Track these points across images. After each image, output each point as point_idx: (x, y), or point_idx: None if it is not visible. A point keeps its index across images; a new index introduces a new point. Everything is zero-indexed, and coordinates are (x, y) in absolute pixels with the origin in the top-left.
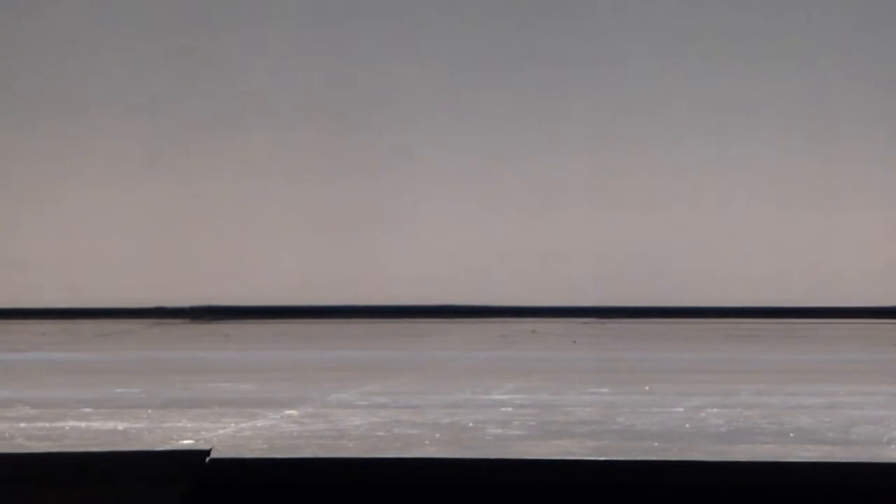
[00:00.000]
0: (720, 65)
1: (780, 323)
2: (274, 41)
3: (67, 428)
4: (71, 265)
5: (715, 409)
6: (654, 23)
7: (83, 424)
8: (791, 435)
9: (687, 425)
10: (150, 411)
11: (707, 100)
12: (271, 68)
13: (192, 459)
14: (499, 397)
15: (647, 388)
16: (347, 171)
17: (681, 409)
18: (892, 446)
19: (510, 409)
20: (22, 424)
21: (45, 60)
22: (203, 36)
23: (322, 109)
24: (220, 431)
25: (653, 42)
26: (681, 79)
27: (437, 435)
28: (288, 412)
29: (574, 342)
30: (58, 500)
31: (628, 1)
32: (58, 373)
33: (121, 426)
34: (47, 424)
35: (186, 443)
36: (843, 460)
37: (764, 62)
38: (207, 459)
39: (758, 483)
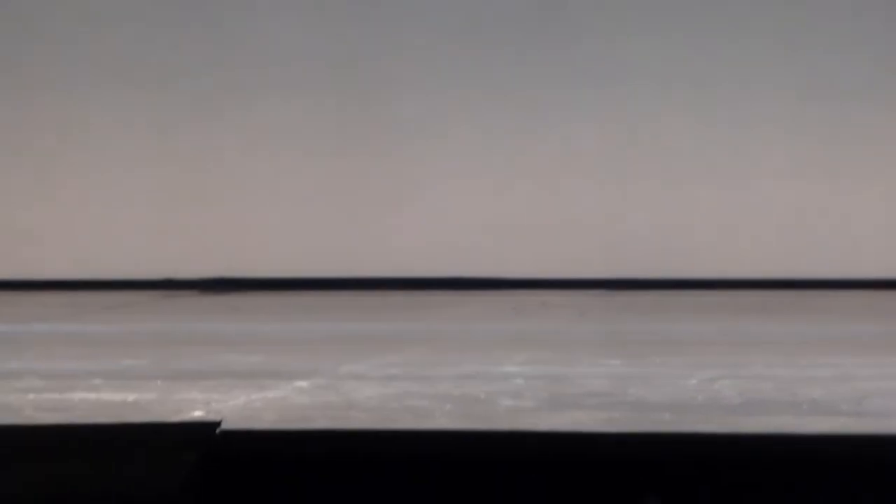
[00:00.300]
0: (735, 33)
1: (794, 294)
2: (286, 13)
3: (77, 399)
4: (79, 237)
5: (727, 381)
6: None
7: (93, 396)
8: (804, 407)
9: (699, 397)
10: (160, 383)
11: (719, 68)
12: (283, 40)
13: (203, 431)
14: (510, 369)
15: (658, 360)
16: (358, 144)
17: (693, 381)
18: None
19: (521, 380)
20: (31, 396)
21: (52, 31)
22: (213, 6)
23: (333, 81)
24: (231, 403)
25: (667, 10)
26: (694, 48)
27: (449, 406)
28: (299, 384)
29: (581, 314)
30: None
31: None
32: (67, 344)
33: (131, 398)
34: (57, 396)
35: (197, 414)
36: (855, 432)
37: (779, 30)
38: (218, 431)
39: (770, 455)
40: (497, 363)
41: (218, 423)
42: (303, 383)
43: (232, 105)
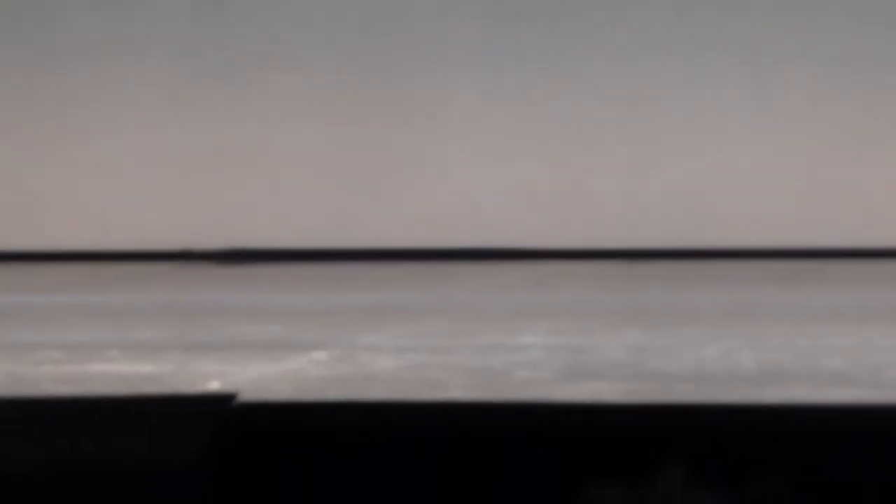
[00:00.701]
0: (754, 6)
1: (813, 264)
2: None
3: (94, 371)
4: (96, 208)
5: (746, 352)
6: None
7: (110, 367)
8: (823, 377)
9: (718, 367)
10: (176, 354)
11: (740, 40)
12: (298, 10)
13: (219, 403)
14: (528, 340)
15: (677, 330)
16: (376, 114)
17: (712, 352)
18: None
19: (539, 351)
20: (47, 367)
21: (75, 9)
22: None
23: (349, 52)
24: (247, 375)
25: None
26: (714, 20)
27: (465, 378)
28: (315, 355)
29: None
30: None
31: None
32: (84, 315)
33: (147, 369)
34: (74, 367)
35: (213, 386)
36: (874, 402)
37: (797, 4)
38: (234, 403)
39: (789, 425)
40: (515, 334)
41: (234, 395)
42: (319, 355)
43: (248, 77)
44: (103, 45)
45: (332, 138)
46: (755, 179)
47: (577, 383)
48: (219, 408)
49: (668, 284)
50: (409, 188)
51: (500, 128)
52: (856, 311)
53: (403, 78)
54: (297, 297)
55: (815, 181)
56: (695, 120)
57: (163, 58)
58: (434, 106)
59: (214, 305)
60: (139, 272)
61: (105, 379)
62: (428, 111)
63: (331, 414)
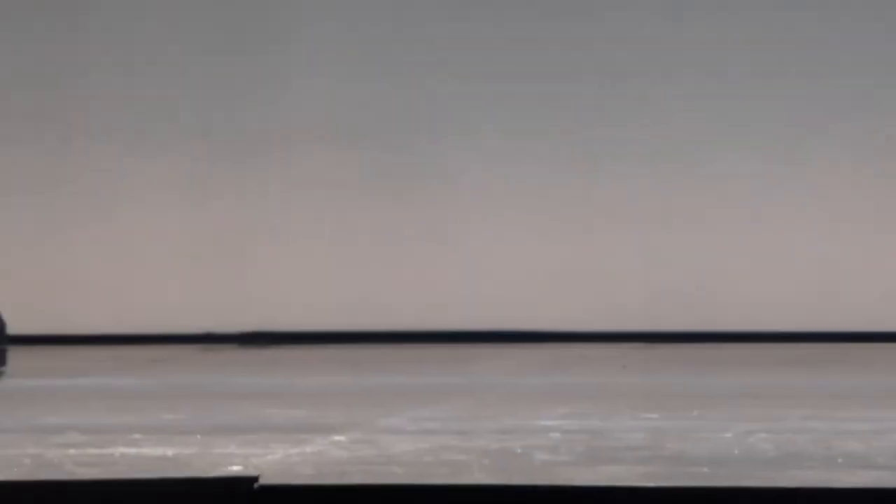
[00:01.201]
0: (771, 83)
1: (832, 347)
2: (320, 63)
3: (117, 454)
4: (120, 290)
5: (764, 435)
6: (705, 40)
7: (133, 450)
8: (839, 460)
9: (736, 451)
10: (199, 437)
11: (757, 119)
12: (318, 90)
13: (241, 486)
14: (548, 423)
15: (695, 413)
16: (395, 194)
17: (730, 435)
18: None
19: (559, 434)
20: (72, 451)
21: (94, 81)
22: (250, 58)
23: (369, 131)
24: (269, 457)
25: (703, 61)
26: (731, 98)
27: (486, 461)
28: (336, 438)
29: (624, 367)
30: None
31: (679, 21)
32: (107, 398)
33: (170, 452)
34: (97, 451)
35: (235, 469)
36: (892, 486)
37: (815, 80)
38: (256, 486)
39: None
40: (535, 416)
41: (256, 478)
42: (340, 437)
43: (268, 157)
44: (127, 126)
45: (352, 220)
46: (774, 262)
47: (596, 466)
48: (241, 490)
49: (686, 367)
50: (430, 270)
51: (521, 211)
52: (873, 394)
53: (424, 160)
54: (318, 379)
55: (833, 264)
56: (714, 202)
57: (185, 139)
58: (455, 188)
59: (236, 388)
60: (162, 355)
61: (128, 462)
62: (449, 194)
63: (352, 497)
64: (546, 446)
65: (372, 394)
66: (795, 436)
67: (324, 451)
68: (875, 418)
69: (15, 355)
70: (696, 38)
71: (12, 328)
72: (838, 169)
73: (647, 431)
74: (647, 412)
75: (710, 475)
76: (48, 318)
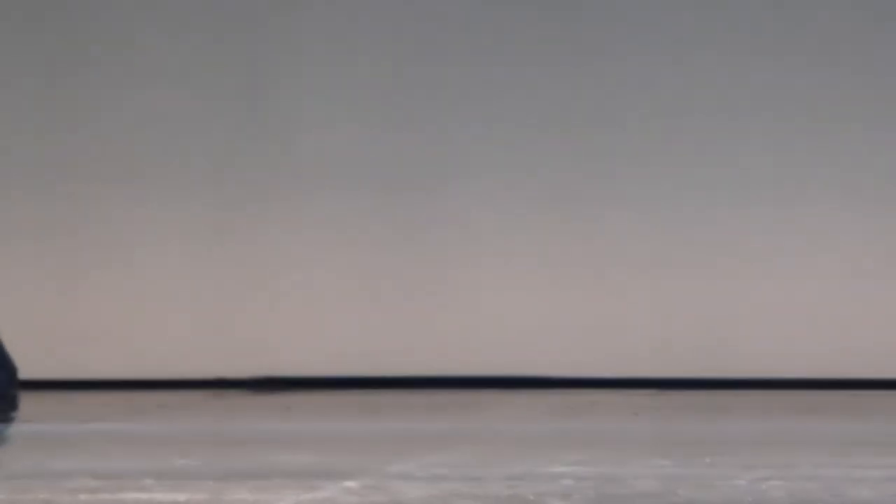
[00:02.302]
0: (779, 129)
1: (843, 395)
2: (333, 109)
3: (129, 500)
4: (130, 336)
5: (776, 482)
6: (715, 85)
7: (145, 496)
8: None
9: (749, 498)
10: (210, 483)
11: (766, 166)
12: (328, 136)
13: None
14: (559, 469)
15: (707, 460)
16: (405, 239)
17: (742, 482)
18: None
19: (571, 481)
20: (83, 496)
21: (103, 129)
22: (261, 108)
23: (379, 176)
24: (280, 503)
25: (711, 107)
26: (740, 145)
27: None
28: (348, 484)
29: (635, 414)
30: None
31: (689, 65)
32: (119, 444)
33: (182, 498)
34: (108, 496)
35: None
36: None
37: (823, 129)
38: None
39: None
40: (546, 463)
41: None
42: (351, 483)
43: (278, 203)
44: (136, 174)
45: (362, 266)
46: (784, 309)
47: None
48: None
49: (698, 414)
50: (439, 316)
51: (531, 258)
52: (886, 441)
53: (434, 208)
54: (329, 425)
55: (844, 311)
56: (722, 249)
57: (195, 186)
58: (465, 234)
59: (248, 434)
60: (172, 400)
61: None
62: (459, 240)
63: None
64: (558, 493)
65: (383, 440)
66: (808, 483)
67: (335, 498)
68: (887, 465)
69: (26, 400)
70: (704, 84)
71: (24, 373)
72: (849, 216)
73: (659, 478)
74: (659, 459)
75: None
76: (59, 363)
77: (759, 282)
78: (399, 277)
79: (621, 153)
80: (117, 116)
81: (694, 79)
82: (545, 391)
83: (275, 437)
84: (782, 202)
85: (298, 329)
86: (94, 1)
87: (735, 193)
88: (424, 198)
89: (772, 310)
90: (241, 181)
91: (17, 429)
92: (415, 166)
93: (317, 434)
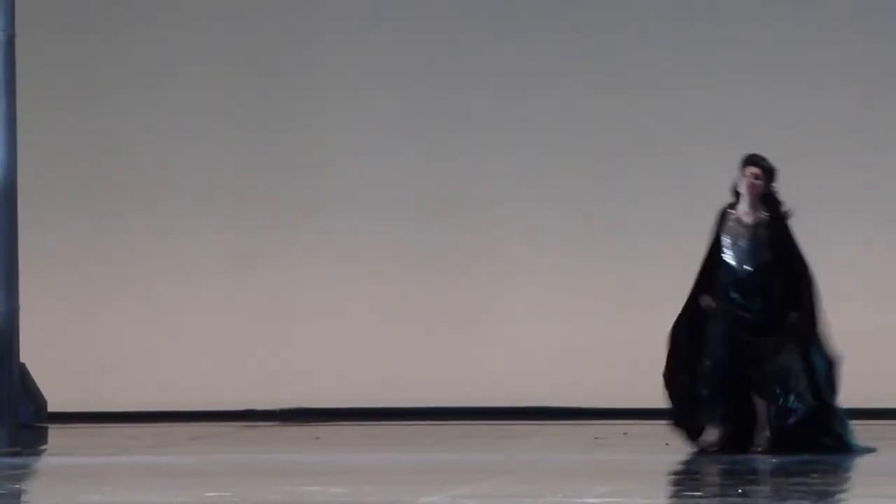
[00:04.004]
0: (808, 157)
1: (874, 425)
2: (359, 140)
3: None
4: (162, 368)
5: None
6: (738, 116)
7: None
8: None
9: None
10: None
11: (795, 192)
12: (357, 167)
13: None
14: (591, 500)
15: (739, 490)
16: (437, 270)
17: None
18: None
19: None
20: None
21: (135, 159)
22: (290, 136)
23: (410, 206)
24: None
25: (745, 136)
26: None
27: None
28: None
29: (667, 444)
30: None
31: (722, 97)
32: (150, 476)
33: None
34: None
35: None
36: None
37: (854, 156)
38: None
39: None
40: (578, 494)
41: None
42: None
43: (308, 232)
44: (165, 202)
45: (392, 296)
46: None
47: None
48: None
49: None
50: (471, 347)
51: (561, 289)
52: None
53: (464, 238)
54: (360, 456)
55: (876, 340)
56: None
57: (225, 216)
58: (495, 266)
59: (278, 464)
60: (203, 432)
61: None
62: (488, 271)
63: None
64: None
65: (413, 471)
66: None
67: None
68: None
69: (56, 433)
70: (732, 113)
71: (52, 406)
72: (880, 247)
73: None
74: (691, 490)
75: None
76: (88, 395)
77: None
78: (428, 308)
79: (651, 183)
80: (145, 147)
81: (723, 108)
82: (576, 422)
83: (305, 467)
84: (807, 230)
85: (328, 360)
86: (123, 32)
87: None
88: (454, 228)
89: None
90: (270, 212)
91: (46, 462)
92: (445, 196)
93: (347, 465)
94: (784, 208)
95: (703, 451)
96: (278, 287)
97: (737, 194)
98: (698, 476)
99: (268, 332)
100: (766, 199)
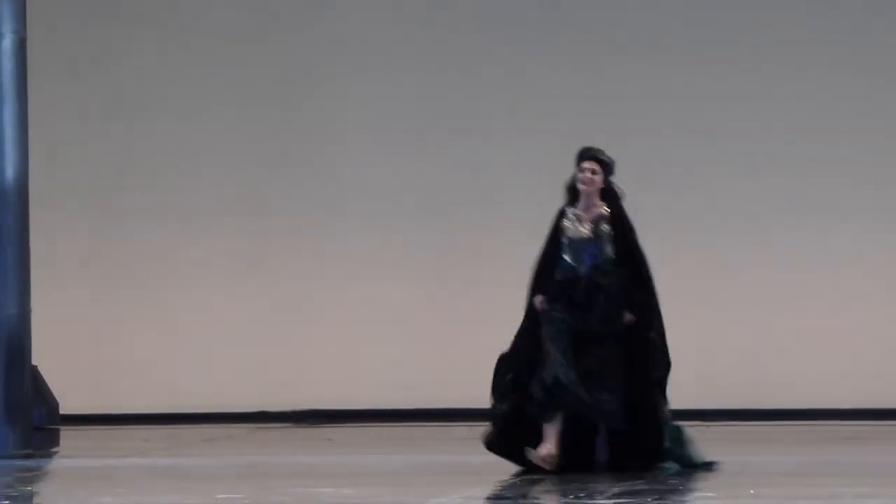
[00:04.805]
0: (823, 163)
1: (885, 424)
2: (372, 146)
3: None
4: (174, 370)
5: None
6: (756, 120)
7: None
8: None
9: None
10: None
11: (809, 197)
12: (370, 172)
13: None
14: (604, 502)
15: (752, 491)
16: (449, 272)
17: None
18: None
19: None
20: None
21: (149, 163)
22: (303, 143)
23: (421, 211)
24: None
25: (754, 140)
26: (781, 177)
27: None
28: None
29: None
30: None
31: (730, 99)
32: (162, 478)
33: None
34: None
35: None
36: None
37: (867, 164)
38: None
39: None
40: (590, 496)
41: None
42: None
43: (321, 237)
44: (178, 207)
45: (402, 300)
46: (826, 340)
47: None
48: None
49: (741, 445)
50: (481, 349)
51: None
52: None
53: (472, 241)
54: (371, 457)
55: (887, 341)
56: (765, 283)
57: (238, 221)
58: (504, 269)
59: (290, 466)
60: (216, 434)
61: None
62: (498, 273)
63: None
64: None
65: (424, 472)
66: None
67: None
68: None
69: (68, 435)
70: (742, 115)
71: (65, 408)
72: (892, 249)
73: None
74: (703, 491)
75: None
76: (102, 397)
77: (801, 314)
78: (440, 310)
79: (659, 186)
80: (159, 151)
81: (731, 109)
82: None
83: (317, 470)
84: (819, 233)
85: (340, 362)
86: (136, 34)
87: (775, 225)
88: (466, 231)
89: (814, 341)
90: (283, 217)
91: (58, 464)
92: (456, 200)
93: (359, 467)
94: (623, 202)
95: (536, 468)
96: (290, 290)
97: (574, 191)
98: (710, 477)
99: (280, 334)
100: (605, 194)
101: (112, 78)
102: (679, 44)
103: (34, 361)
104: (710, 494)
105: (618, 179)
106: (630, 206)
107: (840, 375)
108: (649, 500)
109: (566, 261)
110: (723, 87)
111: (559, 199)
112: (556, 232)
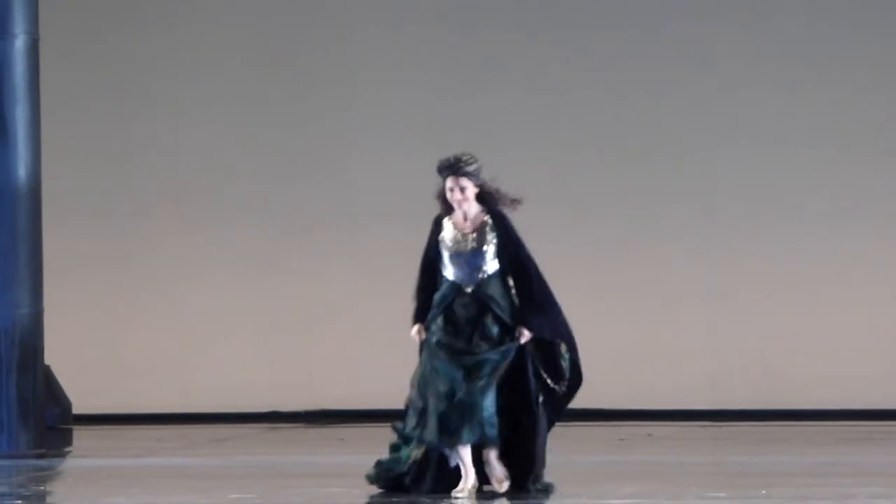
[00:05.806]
0: (838, 160)
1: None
2: (384, 146)
3: None
4: (186, 370)
5: None
6: (772, 124)
7: None
8: None
9: None
10: None
11: (823, 198)
12: (381, 172)
13: None
14: (616, 502)
15: (763, 491)
16: None
17: None
18: None
19: None
20: None
21: (159, 163)
22: (315, 142)
23: (431, 211)
24: None
25: (768, 144)
26: (795, 176)
27: None
28: None
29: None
30: None
31: (745, 102)
32: (174, 478)
33: None
34: None
35: None
36: None
37: (878, 167)
38: None
39: None
40: (602, 495)
41: None
42: None
43: (333, 236)
44: (188, 206)
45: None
46: (839, 340)
47: None
48: None
49: (753, 445)
50: None
51: (586, 294)
52: None
53: None
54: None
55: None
56: (776, 282)
57: (249, 219)
58: None
59: (302, 466)
60: (227, 434)
61: None
62: None
63: None
64: None
65: None
66: None
67: None
68: None
69: (81, 435)
70: (756, 119)
71: (77, 408)
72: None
73: None
74: (715, 491)
75: None
76: (115, 397)
77: (813, 314)
78: None
79: (676, 188)
80: (170, 150)
81: (746, 113)
82: (600, 423)
83: (329, 470)
84: (832, 234)
85: (352, 362)
86: (146, 34)
87: (787, 226)
88: None
89: (826, 341)
90: (294, 217)
91: (71, 463)
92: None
93: (370, 467)
94: (502, 203)
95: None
96: (302, 290)
97: (446, 202)
98: (722, 476)
99: (292, 334)
100: (481, 199)
101: (123, 77)
102: (685, 44)
103: (47, 361)
104: (721, 494)
105: (620, 179)
106: (636, 208)
107: (852, 375)
108: (662, 500)
109: (448, 277)
110: (737, 89)
111: (569, 203)
112: (435, 246)
